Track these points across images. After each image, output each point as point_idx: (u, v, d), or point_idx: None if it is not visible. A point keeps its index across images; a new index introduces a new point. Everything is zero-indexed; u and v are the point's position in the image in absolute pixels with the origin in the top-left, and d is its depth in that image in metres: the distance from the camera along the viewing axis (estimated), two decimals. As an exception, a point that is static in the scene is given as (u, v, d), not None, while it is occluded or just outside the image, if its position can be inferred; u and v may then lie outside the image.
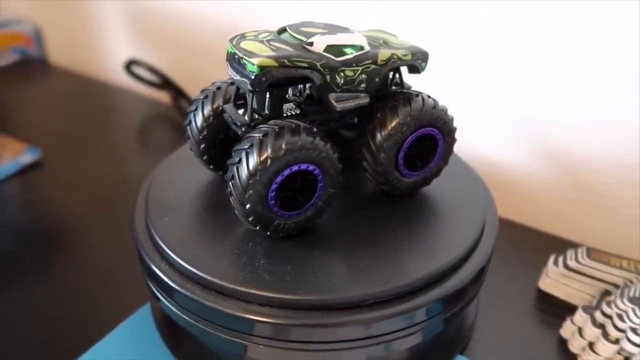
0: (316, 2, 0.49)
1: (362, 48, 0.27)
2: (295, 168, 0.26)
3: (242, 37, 0.28)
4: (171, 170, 0.34)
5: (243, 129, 0.27)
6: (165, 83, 0.60)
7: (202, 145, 0.30)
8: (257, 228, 0.27)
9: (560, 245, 0.41)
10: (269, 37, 0.28)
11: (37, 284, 0.38)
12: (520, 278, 0.39)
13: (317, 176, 0.26)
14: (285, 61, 0.25)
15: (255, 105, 0.28)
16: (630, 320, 0.32)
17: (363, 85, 0.28)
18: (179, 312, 0.28)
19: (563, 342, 0.35)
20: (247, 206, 0.26)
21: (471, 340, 0.34)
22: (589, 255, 0.37)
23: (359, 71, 0.27)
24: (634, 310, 0.32)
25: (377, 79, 0.28)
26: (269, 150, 0.25)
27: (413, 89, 0.31)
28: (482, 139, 0.48)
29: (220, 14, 0.57)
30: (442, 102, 0.30)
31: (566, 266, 0.37)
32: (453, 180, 0.33)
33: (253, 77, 0.25)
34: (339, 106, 0.27)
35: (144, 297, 0.35)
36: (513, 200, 0.47)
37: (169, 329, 0.32)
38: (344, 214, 0.30)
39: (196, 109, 0.30)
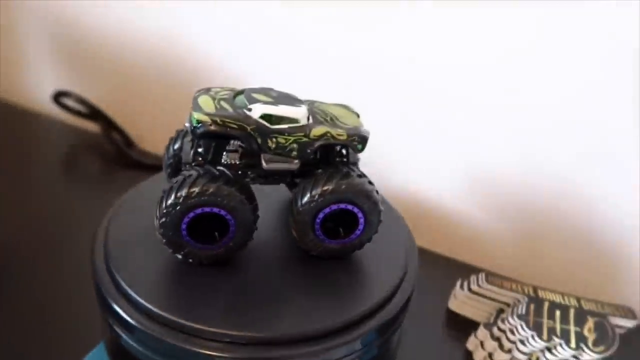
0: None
1: (297, 121, 0.30)
2: (207, 209, 0.29)
3: (206, 91, 0.31)
4: (130, 205, 0.35)
5: (186, 166, 0.31)
6: (96, 114, 0.60)
7: (169, 171, 0.34)
8: (171, 251, 0.30)
9: (465, 271, 0.47)
10: (223, 97, 0.31)
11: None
12: (433, 300, 0.45)
13: (228, 221, 0.30)
14: (218, 120, 0.29)
15: (201, 149, 0.31)
16: (519, 333, 0.39)
17: (294, 152, 0.31)
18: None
19: (469, 354, 0.41)
20: (162, 230, 0.29)
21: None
22: (487, 279, 0.43)
23: (291, 140, 0.30)
24: (521, 325, 0.39)
25: (309, 150, 0.31)
26: (184, 190, 0.29)
27: (357, 165, 0.33)
28: (401, 169, 0.52)
29: (154, 47, 0.58)
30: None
31: (470, 289, 0.44)
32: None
33: (192, 127, 0.29)
34: (267, 166, 0.31)
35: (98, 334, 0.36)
36: (426, 230, 0.52)
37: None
38: (279, 255, 0.33)
39: (172, 139, 0.34)
